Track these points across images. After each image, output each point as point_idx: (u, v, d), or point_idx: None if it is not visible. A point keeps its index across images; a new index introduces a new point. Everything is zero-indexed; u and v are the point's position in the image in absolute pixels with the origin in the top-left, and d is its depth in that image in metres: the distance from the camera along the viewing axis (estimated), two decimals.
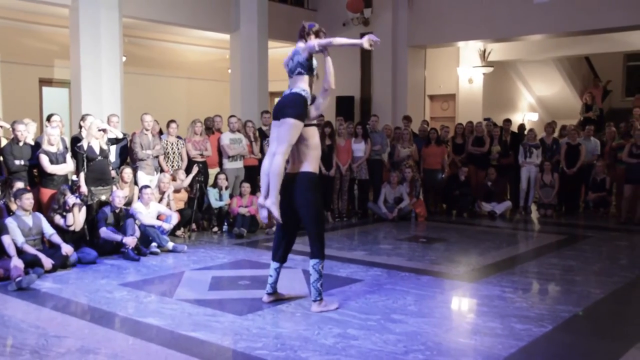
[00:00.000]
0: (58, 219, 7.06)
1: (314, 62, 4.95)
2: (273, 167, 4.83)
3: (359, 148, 10.33)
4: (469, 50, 15.55)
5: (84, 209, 7.29)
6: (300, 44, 4.95)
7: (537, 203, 11.22)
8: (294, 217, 5.02)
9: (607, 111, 16.29)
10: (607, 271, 6.63)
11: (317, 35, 4.97)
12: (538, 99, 17.99)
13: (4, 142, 7.61)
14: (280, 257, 5.16)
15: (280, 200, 4.88)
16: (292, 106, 4.81)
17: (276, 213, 4.83)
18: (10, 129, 7.60)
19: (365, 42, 4.68)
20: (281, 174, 4.83)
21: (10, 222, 6.42)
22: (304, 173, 4.96)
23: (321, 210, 5.05)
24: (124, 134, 8.60)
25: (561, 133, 11.87)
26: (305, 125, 4.92)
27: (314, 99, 5.08)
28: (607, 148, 11.04)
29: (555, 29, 12.40)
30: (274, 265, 5.17)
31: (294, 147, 4.95)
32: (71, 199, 7.03)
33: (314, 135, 5.03)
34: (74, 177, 7.44)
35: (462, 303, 5.65)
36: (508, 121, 11.93)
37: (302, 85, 4.90)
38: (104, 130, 7.92)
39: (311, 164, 4.98)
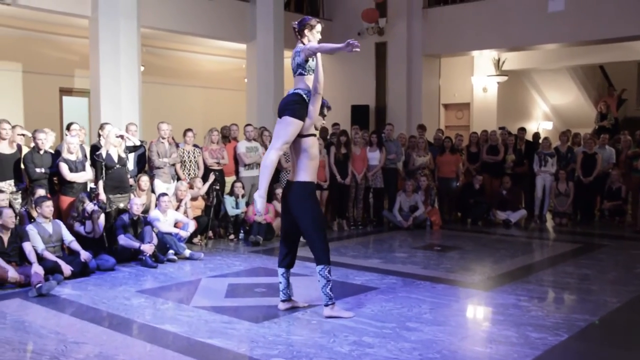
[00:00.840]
0: (77, 226, 7.18)
1: (313, 62, 4.98)
2: (265, 160, 5.04)
3: (374, 157, 10.37)
4: (484, 59, 15.56)
5: (102, 216, 7.40)
6: (300, 45, 5.02)
7: (552, 212, 11.18)
8: (295, 225, 5.11)
9: (622, 120, 16.19)
10: (623, 280, 6.59)
11: (309, 29, 5.02)
12: (552, 107, 17.93)
13: (26, 150, 7.74)
14: (287, 263, 5.22)
15: (282, 207, 5.23)
16: (291, 105, 4.97)
17: (259, 206, 5.02)
18: (31, 138, 7.74)
19: (344, 46, 4.62)
20: (271, 167, 5.00)
21: (31, 229, 6.54)
22: (299, 183, 5.03)
23: (319, 216, 5.08)
24: (142, 142, 8.72)
25: (573, 141, 11.83)
26: (305, 136, 5.01)
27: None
28: (623, 156, 10.99)
29: (569, 38, 12.39)
30: (280, 271, 5.24)
31: (294, 155, 5.10)
32: (90, 206, 7.15)
33: (313, 145, 5.06)
34: (92, 185, 7.56)
35: (477, 311, 5.66)
36: (523, 130, 11.91)
37: (302, 85, 5.03)
38: (122, 138, 8.03)
39: (308, 173, 5.03)
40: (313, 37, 5.01)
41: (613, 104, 15.64)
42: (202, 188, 8.91)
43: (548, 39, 12.57)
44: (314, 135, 5.11)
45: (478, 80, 15.91)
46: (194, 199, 8.83)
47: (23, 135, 8.02)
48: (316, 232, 5.00)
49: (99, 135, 8.55)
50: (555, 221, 10.90)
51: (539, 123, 17.49)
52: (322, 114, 5.14)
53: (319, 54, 4.90)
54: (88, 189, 7.54)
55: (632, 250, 8.44)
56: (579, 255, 8.10)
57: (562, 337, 4.60)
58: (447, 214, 11.14)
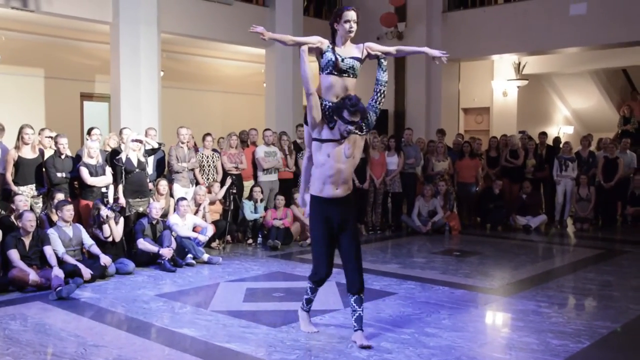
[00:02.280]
0: (96, 230, 7.23)
1: (325, 59, 4.38)
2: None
3: (392, 161, 10.34)
4: (504, 63, 15.45)
5: (121, 220, 7.46)
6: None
7: (574, 217, 11.04)
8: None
9: None
10: None
11: (338, 21, 4.39)
12: (574, 111, 17.74)
13: (48, 154, 7.84)
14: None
15: None
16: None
17: (299, 203, 5.15)
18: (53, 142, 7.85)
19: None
20: (303, 172, 4.80)
21: (51, 232, 6.62)
22: (310, 196, 4.57)
23: (315, 233, 4.52)
24: (159, 143, 8.77)
25: (597, 146, 11.69)
26: (313, 140, 4.46)
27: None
28: None
29: (591, 41, 12.25)
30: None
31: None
32: (104, 211, 7.19)
33: (317, 150, 4.39)
34: (103, 189, 7.58)
35: (496, 317, 5.60)
36: (543, 134, 11.80)
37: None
38: (140, 141, 8.08)
39: (314, 184, 4.47)
40: (343, 28, 4.36)
41: (637, 108, 15.40)
42: (219, 192, 8.94)
43: (569, 43, 12.44)
44: (327, 140, 4.33)
45: (498, 84, 15.79)
46: (212, 203, 8.87)
47: (51, 137, 8.09)
48: (312, 246, 4.68)
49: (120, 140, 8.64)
50: (576, 226, 10.77)
51: (560, 127, 17.31)
52: (350, 122, 4.23)
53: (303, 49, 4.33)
54: (101, 193, 7.56)
55: None
56: (600, 261, 7.98)
57: (584, 345, 4.54)
58: (466, 219, 11.07)
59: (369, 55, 4.50)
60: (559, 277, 7.10)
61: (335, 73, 4.33)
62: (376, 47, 4.52)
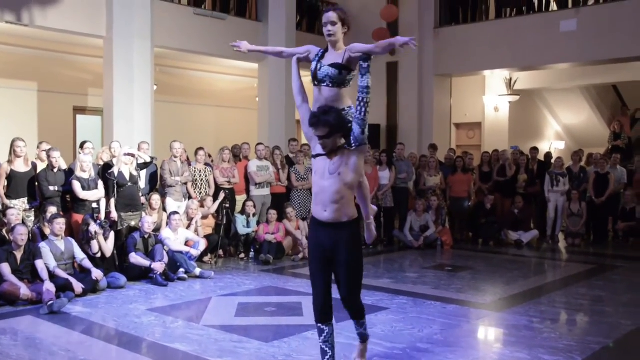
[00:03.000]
0: (86, 246, 7.19)
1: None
2: None
3: (384, 176, 10.36)
4: (495, 79, 15.57)
5: (112, 235, 7.43)
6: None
7: (565, 232, 11.09)
8: None
9: (636, 139, 16.10)
10: (637, 302, 6.51)
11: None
12: (565, 127, 17.87)
13: (40, 168, 7.83)
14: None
15: None
16: None
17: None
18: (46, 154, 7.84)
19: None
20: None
21: (43, 246, 6.59)
22: None
23: (309, 258, 4.09)
24: (152, 157, 8.77)
25: (588, 161, 11.77)
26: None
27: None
28: (637, 177, 10.91)
29: (582, 58, 12.38)
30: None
31: None
32: (92, 227, 7.16)
33: (313, 166, 4.00)
34: (94, 205, 7.57)
35: (488, 333, 5.60)
36: (535, 149, 11.88)
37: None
38: (132, 155, 8.08)
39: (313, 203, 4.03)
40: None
41: (627, 124, 15.56)
42: (212, 207, 8.94)
43: (560, 59, 12.57)
44: (318, 155, 3.92)
45: (490, 99, 15.91)
46: (204, 217, 8.85)
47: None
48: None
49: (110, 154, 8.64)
50: (567, 241, 10.81)
51: (551, 142, 17.42)
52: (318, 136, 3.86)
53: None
54: (92, 209, 7.54)
55: None
56: (592, 276, 8.01)
57: None
58: (459, 234, 11.09)
59: (354, 59, 3.85)
60: (551, 292, 7.12)
61: (316, 83, 3.93)
62: (357, 48, 3.82)
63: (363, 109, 3.76)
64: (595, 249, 10.45)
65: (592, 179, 10.87)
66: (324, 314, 3.86)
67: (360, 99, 3.77)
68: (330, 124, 3.72)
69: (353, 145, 3.78)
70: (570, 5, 12.18)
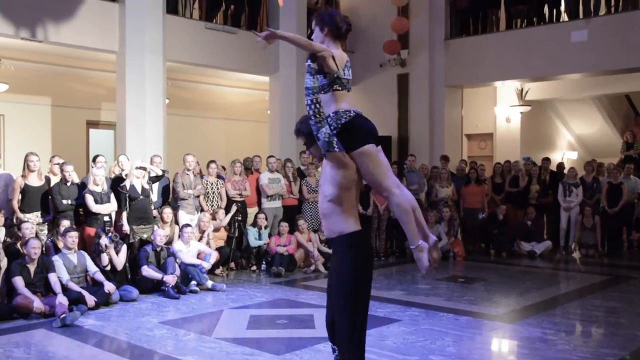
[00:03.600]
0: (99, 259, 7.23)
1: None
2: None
3: None
4: (506, 90, 15.54)
5: (124, 248, 7.46)
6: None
7: (579, 242, 11.00)
8: None
9: None
10: None
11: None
12: (577, 137, 17.78)
13: (54, 182, 7.90)
14: None
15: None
16: None
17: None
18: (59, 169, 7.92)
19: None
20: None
21: (56, 260, 6.64)
22: None
23: None
24: (163, 170, 8.82)
25: (598, 170, 11.68)
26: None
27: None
28: None
29: (593, 68, 12.33)
30: None
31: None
32: (103, 241, 7.20)
33: None
34: (106, 218, 7.63)
35: (502, 345, 5.56)
36: (547, 160, 11.82)
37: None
38: (144, 169, 8.13)
39: None
40: None
41: (639, 134, 15.44)
42: (224, 219, 8.96)
43: (572, 69, 12.52)
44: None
45: (501, 110, 15.87)
46: (216, 230, 8.87)
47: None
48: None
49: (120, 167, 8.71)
50: (581, 252, 10.72)
51: (564, 153, 17.33)
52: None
53: None
54: (104, 222, 7.60)
55: None
56: (606, 287, 7.94)
57: None
58: (471, 245, 11.03)
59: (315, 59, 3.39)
60: (565, 303, 7.06)
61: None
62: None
63: (310, 112, 3.41)
64: (610, 259, 10.36)
65: (605, 189, 10.80)
66: (330, 334, 3.55)
67: (307, 102, 3.44)
68: (303, 133, 3.56)
69: (323, 154, 3.42)
70: (581, 15, 12.14)
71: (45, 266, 6.46)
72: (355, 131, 3.33)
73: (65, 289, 6.45)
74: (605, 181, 10.95)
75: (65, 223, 7.19)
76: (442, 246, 10.03)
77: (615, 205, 10.62)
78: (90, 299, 6.46)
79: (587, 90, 15.15)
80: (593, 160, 12.26)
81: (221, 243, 8.95)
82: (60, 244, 7.01)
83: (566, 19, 12.51)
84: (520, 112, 15.59)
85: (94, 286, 6.86)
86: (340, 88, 3.36)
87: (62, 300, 6.12)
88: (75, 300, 6.34)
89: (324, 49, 3.32)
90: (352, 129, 3.33)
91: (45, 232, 7.54)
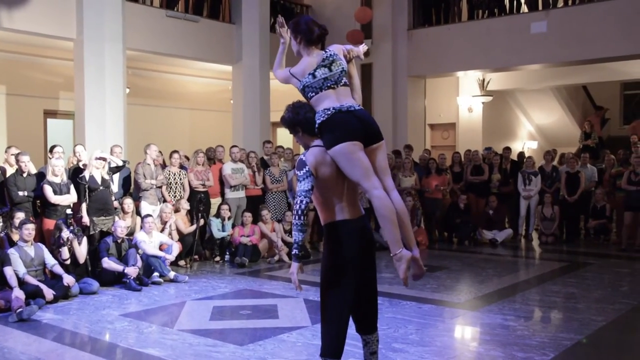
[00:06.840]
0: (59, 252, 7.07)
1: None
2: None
3: None
4: (468, 80, 15.70)
5: (85, 240, 7.31)
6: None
7: (538, 231, 11.23)
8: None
9: (606, 139, 16.39)
10: (608, 298, 6.61)
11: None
12: (537, 127, 18.10)
13: (9, 173, 7.68)
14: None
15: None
16: None
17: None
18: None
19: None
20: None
21: (12, 252, 6.45)
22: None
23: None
24: (124, 161, 8.66)
25: (560, 160, 11.93)
26: None
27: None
28: (607, 176, 11.09)
29: (552, 59, 12.54)
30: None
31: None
32: (65, 233, 7.04)
33: None
34: (68, 211, 7.45)
35: (464, 331, 5.64)
36: (508, 149, 12.01)
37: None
38: (103, 159, 7.97)
39: None
40: None
41: (597, 123, 15.82)
42: (185, 206, 8.88)
43: (531, 60, 12.71)
44: None
45: (463, 100, 16.03)
46: (177, 210, 8.78)
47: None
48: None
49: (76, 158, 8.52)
50: (541, 240, 10.94)
51: (524, 142, 17.63)
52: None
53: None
54: (65, 214, 7.42)
55: (617, 269, 8.48)
56: (564, 273, 8.12)
57: (549, 357, 4.60)
58: (434, 234, 11.15)
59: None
60: (525, 290, 7.19)
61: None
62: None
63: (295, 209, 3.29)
64: (568, 247, 10.59)
65: (564, 178, 11.02)
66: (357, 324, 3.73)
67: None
68: (284, 120, 3.46)
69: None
70: (540, 7, 12.33)
71: (1, 260, 6.28)
72: (328, 130, 3.28)
73: (22, 283, 6.28)
74: (564, 170, 11.17)
75: (20, 215, 6.97)
76: None
77: (573, 193, 10.85)
78: (49, 292, 6.31)
79: (547, 81, 15.43)
80: (552, 150, 12.49)
81: (189, 225, 8.83)
82: (15, 237, 6.82)
83: (526, 10, 12.69)
84: (482, 102, 15.78)
85: (53, 279, 6.71)
86: (314, 93, 3.36)
87: (18, 294, 5.96)
88: (33, 294, 6.19)
89: (282, 76, 3.51)
90: (325, 129, 3.30)
91: (0, 224, 7.33)
